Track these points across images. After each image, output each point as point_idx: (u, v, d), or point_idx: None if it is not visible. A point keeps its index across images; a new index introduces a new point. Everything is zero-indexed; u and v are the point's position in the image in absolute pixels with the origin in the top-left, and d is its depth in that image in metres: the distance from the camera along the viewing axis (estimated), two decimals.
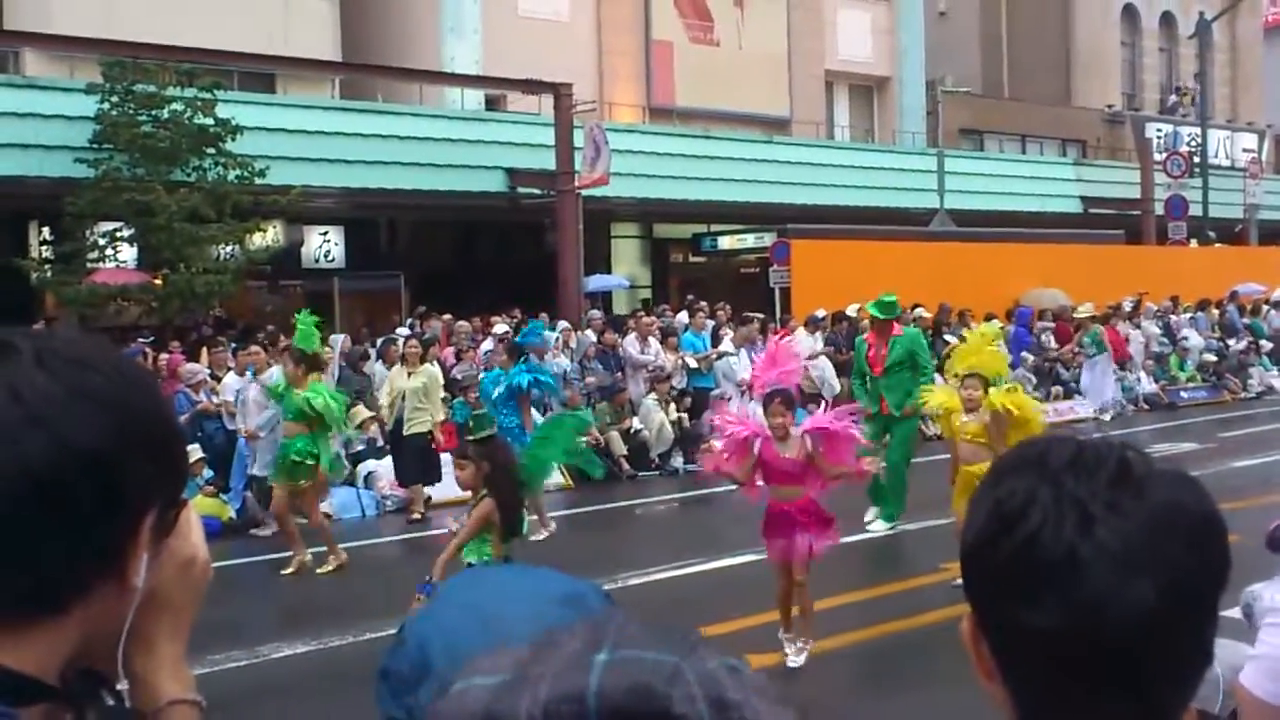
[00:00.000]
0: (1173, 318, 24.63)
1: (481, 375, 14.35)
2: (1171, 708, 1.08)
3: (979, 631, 1.10)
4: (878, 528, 11.07)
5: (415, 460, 13.33)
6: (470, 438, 6.80)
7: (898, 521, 11.17)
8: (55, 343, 1.06)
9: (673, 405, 16.62)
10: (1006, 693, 1.09)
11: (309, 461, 10.41)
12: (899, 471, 11.21)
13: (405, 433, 13.22)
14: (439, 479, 13.34)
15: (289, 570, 10.47)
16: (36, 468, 0.98)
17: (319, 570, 10.46)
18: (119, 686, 1.11)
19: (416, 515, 13.21)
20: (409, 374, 13.35)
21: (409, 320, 19.42)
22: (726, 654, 0.81)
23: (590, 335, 18.12)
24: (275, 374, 11.73)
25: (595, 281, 24.19)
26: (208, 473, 13.04)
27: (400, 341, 14.90)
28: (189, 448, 12.78)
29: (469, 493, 6.97)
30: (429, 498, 13.56)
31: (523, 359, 13.06)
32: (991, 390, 8.66)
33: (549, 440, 7.51)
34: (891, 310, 11.76)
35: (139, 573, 1.05)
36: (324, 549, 10.59)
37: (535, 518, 10.80)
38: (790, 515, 7.13)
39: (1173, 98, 42.48)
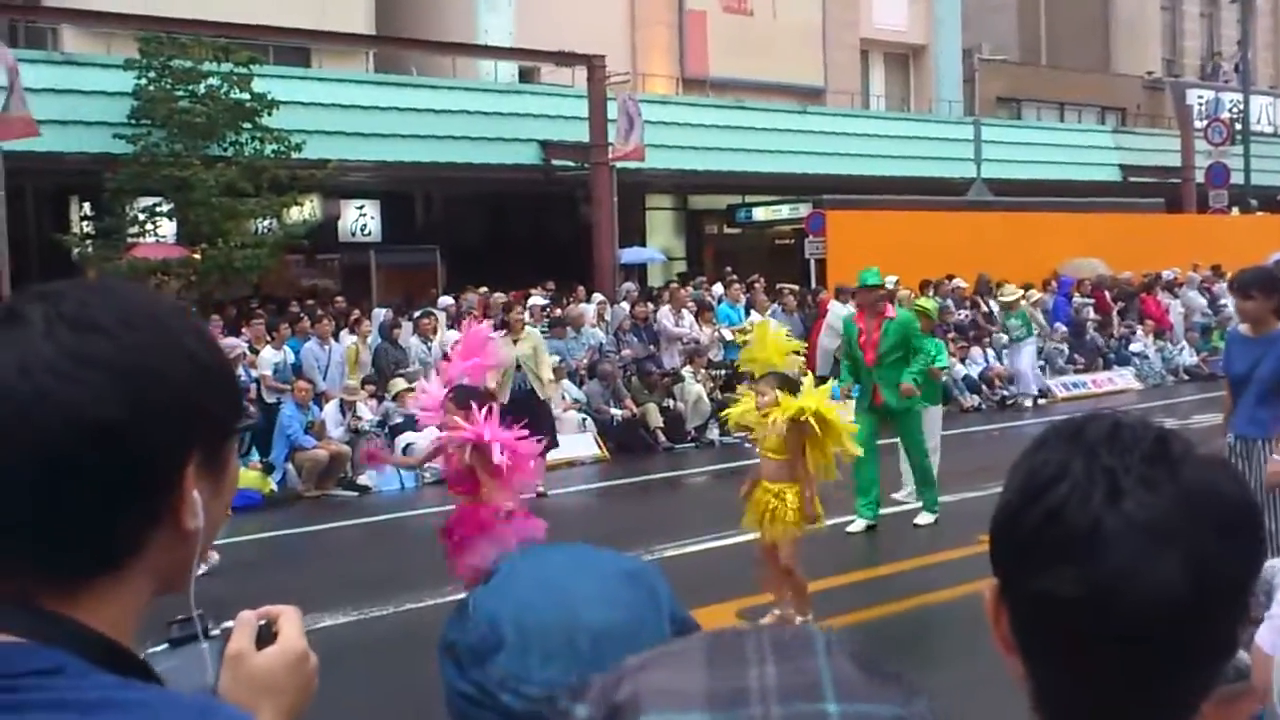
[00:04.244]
0: (1216, 287, 24.36)
1: None
2: (1187, 695, 1.05)
3: (1000, 601, 1.09)
4: (923, 519, 10.34)
5: (540, 425, 13.10)
6: None
7: (939, 509, 10.49)
8: (66, 306, 1.04)
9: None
10: (1023, 665, 1.08)
11: None
12: (922, 466, 10.53)
13: (543, 397, 12.96)
14: (555, 442, 13.15)
15: None
16: (51, 443, 0.99)
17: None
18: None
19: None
20: (515, 341, 12.90)
21: (449, 294, 19.47)
22: (935, 700, 0.78)
23: (625, 308, 18.15)
24: None
25: (630, 254, 24.19)
26: (249, 446, 13.17)
27: (508, 310, 14.50)
28: None
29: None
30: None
31: None
32: (783, 396, 7.09)
33: None
34: (870, 281, 10.41)
35: (195, 514, 1.06)
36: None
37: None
38: (453, 525, 6.51)
39: (1213, 63, 41.84)
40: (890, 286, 18.63)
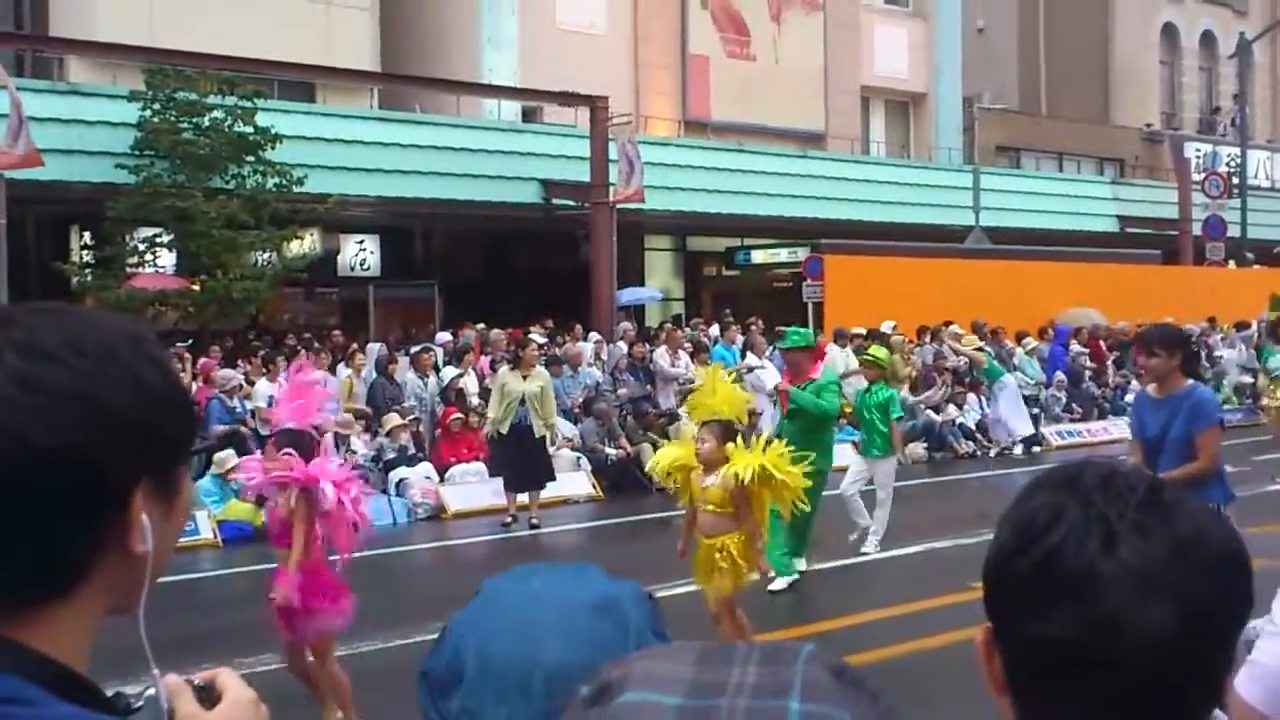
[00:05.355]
0: (1212, 339, 24.43)
1: None
2: None
3: (993, 643, 1.11)
4: (777, 584, 9.40)
5: (532, 462, 13.05)
6: None
7: (793, 574, 9.66)
8: (17, 334, 1.04)
9: None
10: (1014, 706, 1.10)
11: None
12: (801, 522, 9.38)
13: (537, 435, 12.96)
14: (552, 478, 13.40)
15: None
16: None
17: None
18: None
19: (533, 520, 13.03)
20: (524, 377, 12.96)
21: (447, 330, 19.51)
22: (898, 710, 0.82)
23: (622, 347, 18.18)
24: None
25: (628, 294, 24.25)
26: (242, 478, 13.12)
27: (525, 346, 14.25)
28: (221, 454, 12.96)
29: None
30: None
31: None
32: (733, 449, 6.91)
33: None
34: (800, 340, 10.14)
35: (144, 539, 1.06)
36: None
37: None
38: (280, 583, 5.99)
39: (1212, 117, 42.18)
40: (886, 331, 18.83)
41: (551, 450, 14.41)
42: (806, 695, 0.77)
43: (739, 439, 7.10)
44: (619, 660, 0.84)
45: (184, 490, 1.14)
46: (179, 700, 1.12)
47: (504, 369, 13.66)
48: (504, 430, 12.90)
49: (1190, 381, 6.31)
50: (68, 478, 1.02)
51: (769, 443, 7.16)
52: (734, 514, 6.94)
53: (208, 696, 1.15)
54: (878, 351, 11.83)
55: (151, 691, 1.10)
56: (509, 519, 13.01)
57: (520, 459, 12.97)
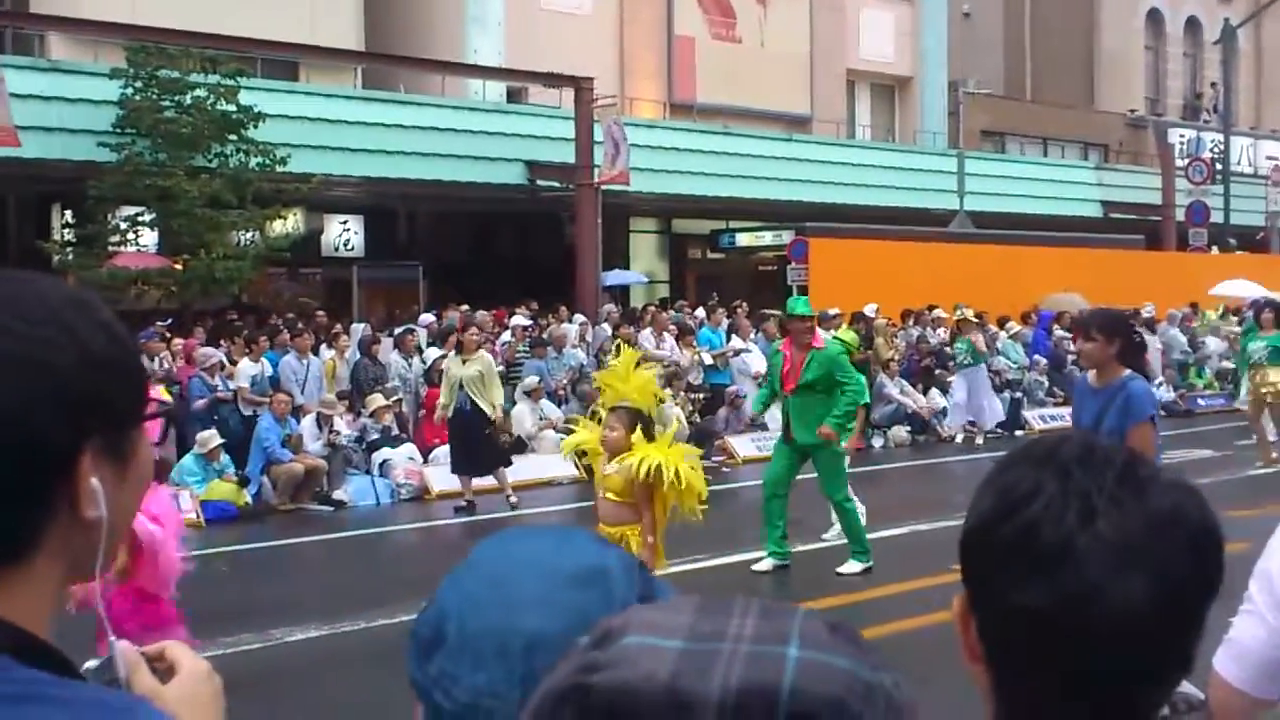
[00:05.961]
0: (1194, 324, 24.55)
1: None
2: (1144, 707, 1.09)
3: (969, 611, 1.12)
4: (848, 568, 9.55)
5: (475, 446, 12.92)
6: None
7: (870, 560, 9.62)
8: None
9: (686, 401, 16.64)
10: (988, 674, 1.11)
11: None
12: (843, 508, 9.65)
13: (490, 415, 12.85)
14: (507, 463, 13.33)
15: None
16: None
17: None
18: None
19: (510, 500, 13.00)
20: (464, 361, 12.94)
21: (431, 311, 19.45)
22: (895, 668, 0.83)
23: (606, 329, 18.18)
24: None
25: (613, 276, 24.24)
26: (225, 458, 13.10)
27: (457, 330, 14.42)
28: (204, 434, 12.93)
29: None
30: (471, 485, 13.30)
31: None
32: (637, 442, 6.72)
33: None
34: (798, 310, 9.85)
35: (96, 503, 1.05)
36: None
37: None
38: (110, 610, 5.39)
39: (1195, 103, 42.30)
40: (870, 315, 18.86)
41: (528, 429, 14.31)
42: (805, 644, 0.79)
43: (644, 430, 6.88)
44: (621, 612, 0.86)
45: (138, 455, 1.13)
46: (136, 673, 1.11)
47: (450, 354, 13.64)
48: (449, 415, 12.90)
49: (1127, 372, 5.97)
50: (10, 442, 1.01)
51: (675, 437, 7.05)
52: (634, 504, 6.75)
53: (158, 669, 1.14)
54: (845, 334, 11.63)
55: (90, 664, 1.09)
56: (462, 503, 12.91)
57: (465, 443, 12.86)
